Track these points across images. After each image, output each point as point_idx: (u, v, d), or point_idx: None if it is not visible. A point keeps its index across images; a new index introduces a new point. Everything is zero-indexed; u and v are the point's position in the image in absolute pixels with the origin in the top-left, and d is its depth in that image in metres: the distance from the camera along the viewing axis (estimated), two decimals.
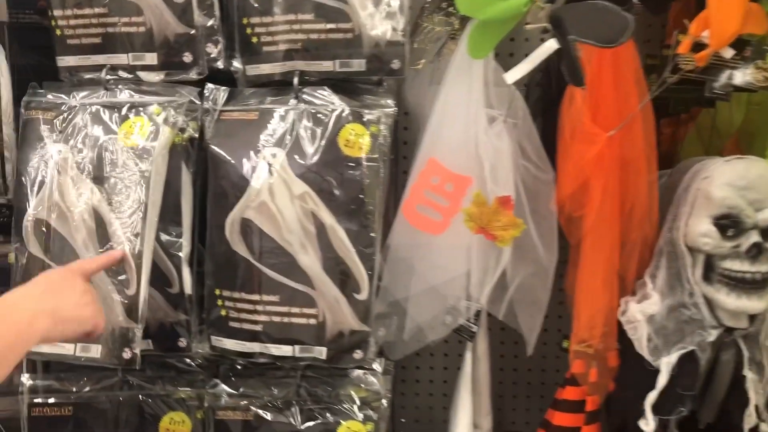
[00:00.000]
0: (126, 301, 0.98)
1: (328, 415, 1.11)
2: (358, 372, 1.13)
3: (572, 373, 1.17)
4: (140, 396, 1.13)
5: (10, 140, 1.10)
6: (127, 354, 0.98)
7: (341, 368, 1.11)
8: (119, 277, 0.99)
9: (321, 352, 1.02)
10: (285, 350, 1.03)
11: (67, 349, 1.01)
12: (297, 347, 1.03)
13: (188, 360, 1.15)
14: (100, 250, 1.00)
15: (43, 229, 1.04)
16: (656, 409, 1.04)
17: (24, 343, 0.79)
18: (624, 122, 1.02)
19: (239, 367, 1.17)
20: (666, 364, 1.03)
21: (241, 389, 1.13)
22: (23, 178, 1.07)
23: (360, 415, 1.11)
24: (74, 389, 1.12)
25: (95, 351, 1.00)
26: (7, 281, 1.09)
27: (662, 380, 1.03)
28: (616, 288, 1.09)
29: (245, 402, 1.12)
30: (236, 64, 1.09)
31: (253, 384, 1.14)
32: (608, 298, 1.09)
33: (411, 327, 1.14)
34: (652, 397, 1.03)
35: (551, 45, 0.84)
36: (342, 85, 1.10)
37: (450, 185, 1.06)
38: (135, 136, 1.02)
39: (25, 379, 1.11)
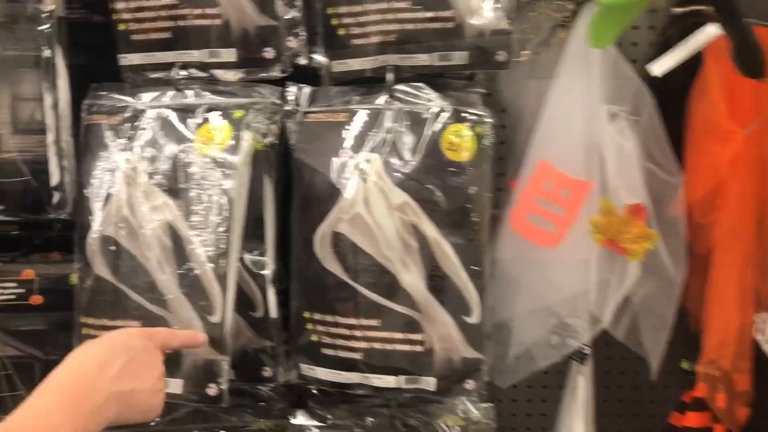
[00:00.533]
0: (210, 330, 0.87)
1: None
2: (456, 399, 1.02)
3: (694, 396, 1.06)
4: (216, 429, 1.02)
5: (68, 147, 0.99)
6: (212, 390, 0.87)
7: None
8: (200, 302, 0.88)
9: (429, 383, 0.91)
10: (388, 381, 0.91)
11: None
12: (402, 378, 0.91)
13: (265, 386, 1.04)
14: (179, 271, 0.89)
15: (111, 247, 0.92)
16: None
17: (87, 429, 0.66)
18: (764, 117, 0.90)
19: (320, 393, 1.06)
20: None
21: (329, 420, 1.02)
22: (86, 191, 0.95)
23: None
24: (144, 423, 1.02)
25: (175, 386, 0.88)
26: (69, 304, 0.98)
27: None
28: (750, 303, 0.97)
29: None
30: (320, 59, 0.97)
31: (341, 414, 1.03)
32: (742, 313, 0.97)
33: (516, 351, 1.03)
34: None
35: (712, 31, 0.72)
36: (429, 80, 0.98)
37: (566, 191, 0.94)
38: (215, 143, 0.90)
39: None
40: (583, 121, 0.93)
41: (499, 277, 0.98)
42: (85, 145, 0.98)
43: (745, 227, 0.94)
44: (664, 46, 1.05)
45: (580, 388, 1.05)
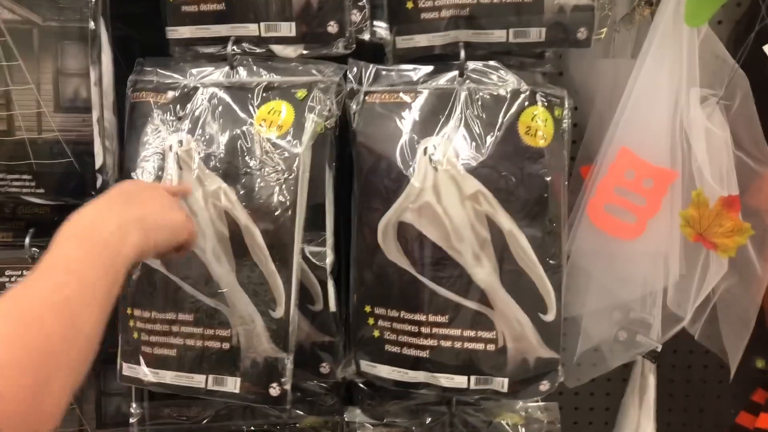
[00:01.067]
0: (272, 326, 0.81)
1: None
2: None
3: None
4: (266, 426, 0.97)
5: (111, 127, 0.93)
6: (275, 390, 0.81)
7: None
8: (261, 296, 0.82)
9: (502, 384, 0.85)
10: (458, 381, 0.85)
11: (197, 380, 0.84)
12: (473, 378, 0.85)
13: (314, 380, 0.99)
14: (237, 262, 0.83)
15: None
16: None
17: (118, 265, 0.60)
18: None
19: (370, 388, 1.01)
20: None
21: (385, 418, 0.97)
22: (133, 174, 0.89)
23: None
24: (191, 418, 0.97)
25: (233, 384, 0.83)
26: None
27: None
28: None
29: None
30: (384, 34, 0.90)
31: (398, 411, 0.98)
32: None
33: (585, 349, 0.97)
34: None
35: None
36: (497, 59, 0.91)
37: (649, 181, 0.87)
38: (276, 125, 0.84)
39: (134, 408, 0.95)
40: (670, 105, 0.86)
41: (572, 271, 0.92)
42: (130, 125, 0.92)
43: None
44: (748, 24, 0.98)
45: (650, 387, 1.00)
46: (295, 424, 0.98)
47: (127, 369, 0.89)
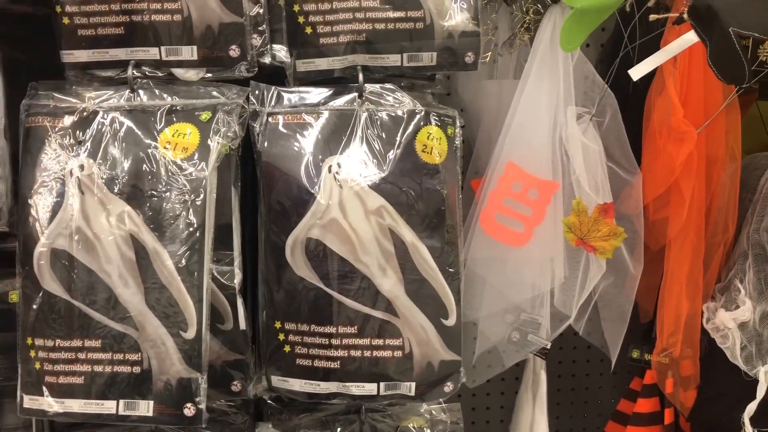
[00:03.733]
0: (184, 347, 0.82)
1: None
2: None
3: (644, 384, 1.11)
4: None
5: (3, 153, 0.90)
6: (189, 410, 0.82)
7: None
8: (172, 318, 0.82)
9: (409, 388, 0.90)
10: (369, 389, 0.89)
11: (107, 407, 0.83)
12: (382, 384, 0.89)
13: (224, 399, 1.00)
14: (145, 285, 0.83)
15: (63, 261, 0.85)
16: (754, 421, 0.98)
17: None
18: (711, 118, 0.96)
19: (277, 403, 1.03)
20: (764, 373, 0.97)
21: (297, 430, 0.99)
22: (30, 201, 0.87)
23: None
24: None
25: (145, 408, 0.82)
26: (7, 324, 0.89)
27: (761, 390, 0.97)
28: (700, 294, 1.03)
29: None
30: (285, 58, 0.93)
31: (308, 423, 1.01)
32: (691, 304, 1.03)
33: (482, 350, 1.04)
34: (751, 408, 0.98)
35: (690, 38, 0.75)
36: (391, 80, 0.97)
37: (534, 192, 0.95)
38: (181, 147, 0.85)
39: None
40: (549, 122, 0.95)
41: (468, 277, 0.98)
42: (26, 151, 0.89)
43: (696, 223, 0.99)
44: (613, 48, 1.09)
45: (542, 383, 1.08)
46: None
47: (29, 401, 0.86)
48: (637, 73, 0.81)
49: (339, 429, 1.00)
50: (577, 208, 0.92)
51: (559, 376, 1.29)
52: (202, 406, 0.82)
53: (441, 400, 1.02)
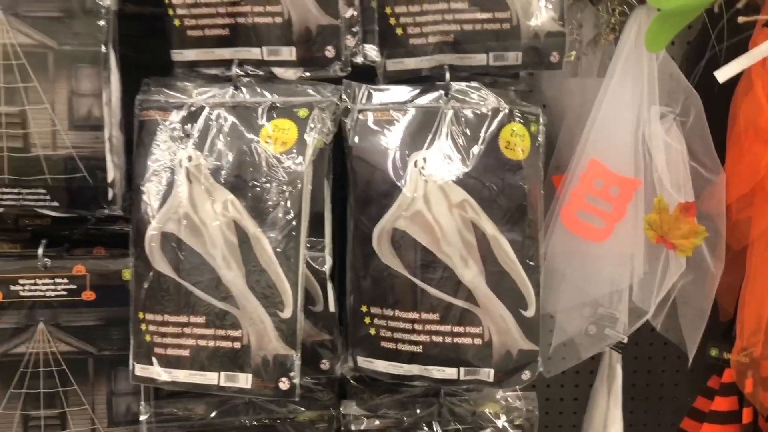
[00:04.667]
0: (281, 326, 0.89)
1: None
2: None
3: (722, 382, 1.11)
4: (267, 420, 1.04)
5: (119, 143, 0.99)
6: (284, 384, 0.89)
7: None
8: (270, 298, 0.89)
9: (488, 374, 0.94)
10: (449, 373, 0.94)
11: (210, 378, 0.91)
12: (462, 369, 0.94)
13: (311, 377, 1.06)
14: (246, 268, 0.90)
15: (172, 244, 0.93)
16: None
17: None
18: None
19: (360, 384, 1.09)
20: None
21: (379, 410, 1.05)
22: (142, 188, 0.96)
23: None
24: (198, 415, 1.03)
25: (244, 380, 0.90)
26: (120, 299, 0.98)
27: None
28: None
29: (384, 424, 1.04)
30: (376, 58, 0.98)
31: (390, 404, 1.06)
32: None
33: (559, 341, 1.07)
34: None
35: None
36: (475, 78, 1.01)
37: (615, 189, 0.97)
38: (281, 141, 0.91)
39: (143, 407, 1.01)
40: (633, 121, 0.96)
41: (548, 271, 1.01)
42: (139, 142, 0.98)
43: None
44: (699, 45, 1.09)
45: (617, 377, 1.10)
46: (294, 418, 1.05)
47: (140, 369, 0.95)
48: (723, 75, 0.82)
49: (418, 410, 1.05)
50: (659, 205, 0.93)
51: (635, 371, 1.31)
52: (297, 381, 0.89)
53: (517, 387, 1.06)
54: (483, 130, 0.94)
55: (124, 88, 1.00)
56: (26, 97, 0.93)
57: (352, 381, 1.09)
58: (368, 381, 1.10)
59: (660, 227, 0.94)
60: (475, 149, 0.94)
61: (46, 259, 0.99)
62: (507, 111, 0.95)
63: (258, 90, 0.96)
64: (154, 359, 0.94)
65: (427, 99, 0.97)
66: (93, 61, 0.94)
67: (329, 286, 0.97)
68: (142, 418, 1.00)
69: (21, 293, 0.99)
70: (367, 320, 0.97)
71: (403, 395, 1.08)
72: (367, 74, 1.01)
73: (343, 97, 0.97)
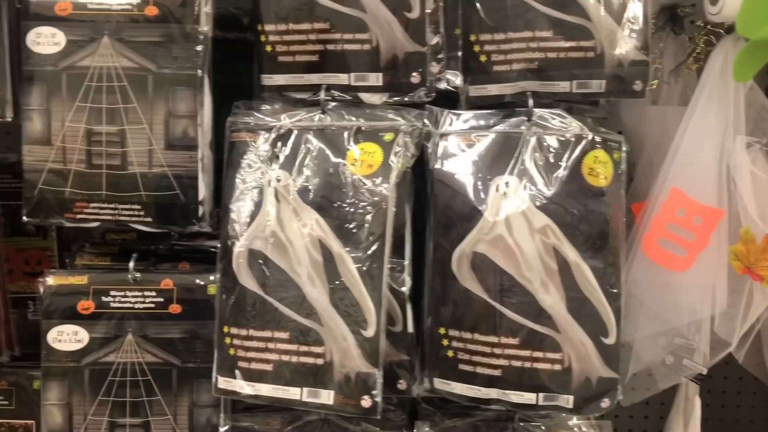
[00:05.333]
0: (364, 344, 0.91)
1: None
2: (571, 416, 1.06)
3: None
4: None
5: (209, 163, 1.03)
6: (366, 402, 0.90)
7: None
8: (354, 317, 0.91)
9: (567, 401, 0.94)
10: (528, 398, 0.94)
11: (293, 393, 0.93)
12: (541, 395, 0.94)
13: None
14: (330, 286, 0.93)
15: (259, 261, 0.96)
16: None
17: None
18: None
19: (430, 405, 1.10)
20: None
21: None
22: (231, 206, 0.99)
23: None
24: (274, 430, 1.05)
25: (326, 397, 0.92)
26: (205, 313, 1.02)
27: None
28: None
29: None
30: (459, 83, 1.00)
31: (462, 427, 1.06)
32: None
33: (637, 370, 1.06)
34: None
35: None
36: (555, 105, 1.02)
37: (698, 218, 0.97)
38: (367, 164, 0.94)
39: (223, 420, 1.04)
40: (717, 150, 0.96)
41: (625, 298, 1.01)
42: (229, 162, 1.01)
43: None
44: None
45: (696, 408, 1.08)
46: None
47: (223, 382, 0.98)
48: None
49: None
50: (745, 236, 0.92)
51: (723, 405, 1.28)
52: (379, 399, 0.90)
53: (592, 416, 1.05)
54: (566, 157, 0.95)
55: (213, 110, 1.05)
56: (126, 118, 0.98)
57: (422, 404, 1.11)
58: (438, 403, 1.12)
59: (746, 258, 0.93)
60: (558, 175, 0.95)
61: (137, 273, 1.04)
62: (590, 138, 0.95)
63: (344, 114, 0.99)
64: (237, 372, 0.96)
65: (509, 124, 0.99)
66: (189, 84, 0.98)
67: (408, 306, 0.98)
68: (222, 430, 1.03)
69: (112, 304, 1.03)
70: (445, 342, 0.98)
71: (475, 419, 1.08)
72: (447, 99, 1.03)
73: (426, 121, 1.00)
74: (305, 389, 0.93)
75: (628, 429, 1.35)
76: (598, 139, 0.96)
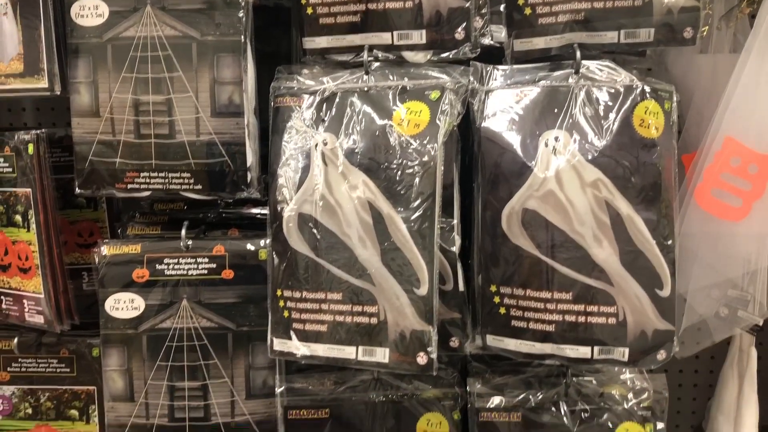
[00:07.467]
0: (417, 302, 0.91)
1: (602, 415, 1.03)
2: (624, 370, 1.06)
3: None
4: (395, 396, 1.07)
5: (254, 129, 1.03)
6: (422, 359, 0.91)
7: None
8: (406, 276, 0.92)
9: (623, 354, 0.93)
10: (582, 352, 0.94)
11: (348, 352, 0.95)
12: (596, 348, 0.94)
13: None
14: (381, 247, 0.93)
15: (309, 224, 0.97)
16: None
17: None
18: None
19: (480, 363, 1.11)
20: None
21: (504, 389, 1.06)
22: (279, 171, 1.00)
23: (638, 416, 1.03)
24: (330, 390, 1.07)
25: (382, 355, 0.93)
26: (257, 278, 1.03)
27: None
28: None
29: (511, 402, 1.05)
30: (503, 38, 0.99)
31: (515, 383, 1.07)
32: None
33: (691, 322, 1.05)
34: None
35: None
36: (602, 56, 1.00)
37: (754, 166, 0.95)
38: (413, 123, 0.93)
39: (279, 381, 1.06)
40: None
41: (680, 251, 0.99)
42: (275, 128, 1.02)
43: None
44: None
45: (752, 359, 1.07)
46: (420, 394, 1.08)
47: (279, 344, 0.99)
48: None
49: (544, 389, 1.06)
50: None
51: (761, 357, 1.26)
52: (434, 355, 0.91)
53: (645, 370, 1.05)
54: (616, 108, 0.93)
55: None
56: (172, 86, 0.99)
57: (473, 362, 1.11)
58: (489, 361, 1.12)
59: None
60: (609, 127, 0.93)
61: (189, 240, 1.05)
62: (640, 89, 0.93)
63: (388, 74, 0.98)
64: (292, 334, 0.98)
65: (556, 78, 0.97)
66: (233, 51, 0.98)
67: (458, 265, 0.98)
68: (278, 390, 1.05)
69: (166, 272, 1.05)
70: (497, 299, 0.98)
71: (526, 375, 1.09)
72: (491, 55, 1.01)
73: (471, 78, 0.98)
74: (360, 348, 0.94)
75: (678, 384, 1.34)
76: (648, 89, 0.94)
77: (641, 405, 1.04)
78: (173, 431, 1.06)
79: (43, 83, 1.01)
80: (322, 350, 0.96)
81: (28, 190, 1.04)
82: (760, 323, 1.04)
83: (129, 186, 1.02)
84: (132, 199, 1.16)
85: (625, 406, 1.04)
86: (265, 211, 1.08)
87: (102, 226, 1.21)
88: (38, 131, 1.03)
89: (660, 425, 1.03)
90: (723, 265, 1.00)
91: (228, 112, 0.99)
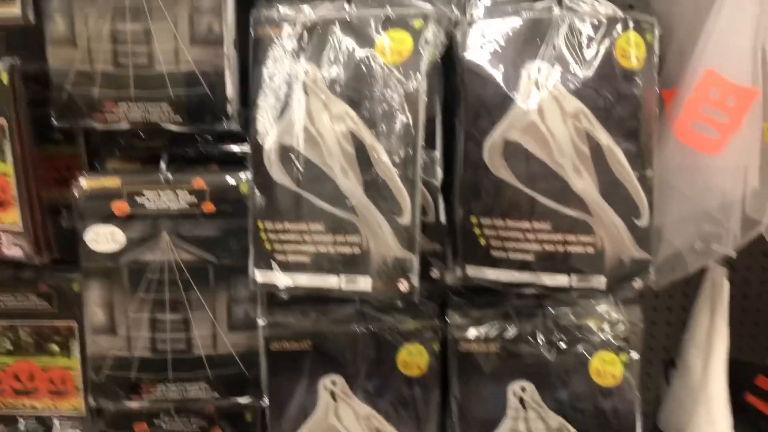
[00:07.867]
0: (400, 231, 0.92)
1: (577, 345, 1.06)
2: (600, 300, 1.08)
3: None
4: (376, 328, 1.08)
5: (233, 60, 1.02)
6: (403, 285, 0.92)
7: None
8: (388, 205, 0.92)
9: (600, 282, 0.95)
10: (560, 280, 0.96)
11: (331, 282, 0.95)
12: (574, 277, 0.96)
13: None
14: (364, 177, 0.93)
15: (291, 156, 0.96)
16: None
17: None
18: None
19: (458, 295, 1.13)
20: None
21: (483, 321, 1.08)
22: (259, 102, 0.99)
23: (613, 345, 1.06)
24: (312, 322, 1.08)
25: (364, 283, 0.94)
26: (238, 211, 1.03)
27: None
28: None
29: (490, 333, 1.07)
30: None
31: (493, 315, 1.09)
32: None
33: (667, 254, 1.07)
34: None
35: None
36: None
37: (732, 99, 0.96)
38: (396, 52, 0.93)
39: (260, 314, 1.07)
40: (752, 29, 0.94)
41: (657, 183, 1.01)
42: (255, 58, 1.00)
43: None
44: None
45: (725, 292, 1.10)
46: (401, 326, 1.09)
47: (261, 276, 1.00)
48: None
49: (522, 321, 1.08)
50: None
51: (746, 296, 1.30)
52: (416, 282, 0.92)
53: (620, 302, 1.08)
54: (598, 40, 0.94)
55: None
56: (150, 15, 0.97)
57: (452, 295, 1.13)
58: (468, 296, 1.14)
59: None
60: (590, 59, 0.93)
61: (168, 174, 1.04)
62: (623, 19, 0.94)
63: (371, 2, 0.97)
64: (274, 265, 0.98)
65: (539, 8, 0.96)
66: None
67: (440, 197, 0.99)
68: (260, 323, 1.06)
69: (146, 205, 1.04)
70: (477, 231, 0.99)
71: (504, 308, 1.11)
72: None
73: (454, 8, 0.98)
74: (343, 277, 0.95)
75: (651, 321, 1.38)
76: (630, 20, 0.94)
77: (616, 335, 1.07)
78: (155, 363, 1.07)
79: (16, 9, 0.98)
80: (305, 280, 0.97)
81: (3, 120, 1.02)
82: (734, 255, 1.06)
83: (108, 117, 1.01)
84: (110, 135, 1.14)
85: (601, 336, 1.07)
86: (245, 147, 1.08)
87: (80, 162, 1.19)
88: (12, 59, 1.01)
89: (635, 355, 1.06)
90: (700, 197, 1.02)
91: (207, 41, 0.98)
